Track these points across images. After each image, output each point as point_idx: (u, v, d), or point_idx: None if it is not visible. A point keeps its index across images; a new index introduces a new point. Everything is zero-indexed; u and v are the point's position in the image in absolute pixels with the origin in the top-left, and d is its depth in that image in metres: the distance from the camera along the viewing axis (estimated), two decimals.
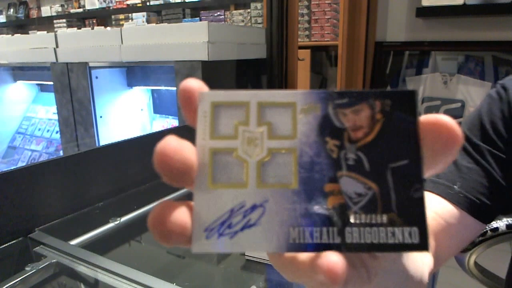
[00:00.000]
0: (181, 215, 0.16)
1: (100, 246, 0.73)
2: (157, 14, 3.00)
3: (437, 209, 0.45)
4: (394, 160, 0.17)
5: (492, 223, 0.78)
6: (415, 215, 0.16)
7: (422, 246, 0.16)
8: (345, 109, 0.17)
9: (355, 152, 0.17)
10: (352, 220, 0.17)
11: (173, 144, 0.16)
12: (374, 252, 0.17)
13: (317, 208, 0.17)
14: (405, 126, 0.17)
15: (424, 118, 0.17)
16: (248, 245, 0.17)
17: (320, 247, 0.16)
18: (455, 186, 0.45)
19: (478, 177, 0.46)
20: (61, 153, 1.90)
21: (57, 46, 1.60)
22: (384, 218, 0.16)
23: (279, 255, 0.19)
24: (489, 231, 0.77)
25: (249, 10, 2.61)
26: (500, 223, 0.73)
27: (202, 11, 2.82)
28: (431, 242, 0.43)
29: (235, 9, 2.70)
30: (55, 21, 3.46)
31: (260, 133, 0.17)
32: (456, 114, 1.47)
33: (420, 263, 0.34)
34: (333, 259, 0.16)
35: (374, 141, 0.17)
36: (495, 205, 0.46)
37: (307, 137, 0.17)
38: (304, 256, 0.18)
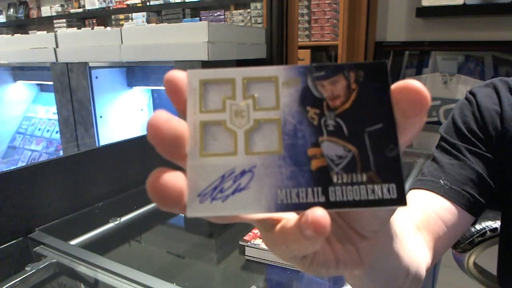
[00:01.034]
0: (178, 181, 0.17)
1: (100, 246, 0.73)
2: (157, 14, 3.00)
3: (429, 204, 0.47)
4: (370, 124, 0.18)
5: (490, 223, 0.78)
6: (392, 172, 0.18)
7: (400, 200, 0.18)
8: (323, 81, 0.19)
9: (334, 119, 0.18)
10: (334, 180, 0.18)
11: (163, 116, 0.17)
12: (357, 208, 0.18)
13: (302, 171, 0.18)
14: (378, 93, 0.18)
15: (395, 84, 0.18)
16: (239, 208, 0.18)
17: (306, 206, 0.18)
18: (440, 181, 0.48)
19: (460, 170, 0.49)
20: (61, 153, 1.90)
21: (57, 46, 1.60)
22: (364, 177, 0.18)
23: (271, 231, 0.21)
24: (488, 232, 0.77)
25: (249, 10, 2.61)
26: (499, 223, 0.73)
27: (202, 11, 2.81)
28: (430, 240, 0.44)
29: (235, 9, 2.70)
30: (55, 21, 3.46)
31: (246, 105, 0.18)
32: None
33: (415, 256, 0.35)
34: (318, 212, 0.17)
35: (350, 108, 0.18)
36: (481, 196, 0.48)
37: (290, 107, 0.18)
38: (291, 222, 0.19)
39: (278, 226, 0.20)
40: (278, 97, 0.18)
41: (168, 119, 0.17)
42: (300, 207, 0.18)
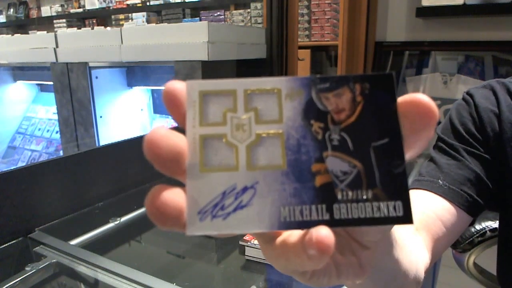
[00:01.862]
0: (177, 198, 0.17)
1: (100, 246, 0.73)
2: (157, 14, 3.00)
3: (428, 204, 0.47)
4: (376, 139, 0.18)
5: (490, 223, 0.78)
6: (398, 189, 0.17)
7: (406, 218, 0.17)
8: (328, 93, 0.18)
9: (339, 133, 0.18)
10: (339, 197, 0.17)
11: (161, 132, 0.17)
12: (362, 226, 0.17)
13: (305, 187, 0.17)
14: (384, 107, 0.18)
15: (401, 97, 0.18)
16: (241, 226, 0.17)
17: (310, 224, 0.17)
18: (439, 181, 0.48)
19: (458, 170, 0.49)
20: (61, 153, 1.90)
21: (57, 46, 1.60)
22: (369, 193, 0.17)
23: (271, 244, 0.20)
24: (488, 232, 0.77)
25: (249, 10, 2.61)
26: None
27: (202, 11, 2.81)
28: (429, 240, 0.44)
29: (235, 9, 2.70)
30: (55, 21, 3.45)
31: (248, 118, 0.18)
32: None
33: (414, 258, 0.35)
34: (322, 232, 0.16)
35: (356, 122, 0.18)
36: (479, 196, 0.48)
37: (293, 121, 0.18)
38: (294, 238, 0.18)
39: (279, 240, 0.20)
40: (281, 110, 0.18)
41: (166, 135, 0.16)
42: (304, 225, 0.17)
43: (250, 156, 0.17)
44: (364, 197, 0.17)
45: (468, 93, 0.55)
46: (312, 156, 0.18)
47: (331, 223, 0.17)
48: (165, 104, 0.18)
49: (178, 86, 0.18)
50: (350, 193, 0.17)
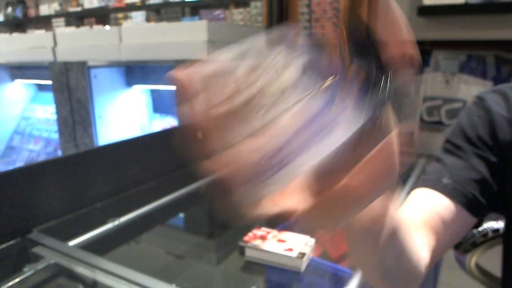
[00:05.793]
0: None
1: (99, 247, 0.72)
2: (156, 13, 2.99)
3: (431, 203, 0.48)
4: None
5: (492, 224, 0.77)
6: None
7: None
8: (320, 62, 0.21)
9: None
10: None
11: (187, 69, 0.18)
12: None
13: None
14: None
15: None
16: (287, 180, 0.18)
17: None
18: (443, 180, 0.49)
19: (464, 170, 0.49)
20: (59, 152, 1.90)
21: (55, 45, 1.60)
22: None
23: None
24: (490, 232, 0.76)
25: (249, 9, 2.60)
26: (501, 224, 0.73)
27: (201, 10, 2.81)
28: (431, 239, 0.44)
29: (235, 8, 2.70)
30: (53, 20, 3.45)
31: (254, 92, 0.19)
32: (457, 113, 1.46)
33: (415, 252, 0.35)
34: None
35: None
36: (483, 197, 0.49)
37: (295, 87, 0.20)
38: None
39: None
40: (283, 80, 0.19)
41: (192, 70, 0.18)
42: None
43: (266, 124, 0.19)
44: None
45: (478, 97, 0.55)
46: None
47: None
48: (175, 91, 0.19)
49: (183, 72, 0.19)
50: None
